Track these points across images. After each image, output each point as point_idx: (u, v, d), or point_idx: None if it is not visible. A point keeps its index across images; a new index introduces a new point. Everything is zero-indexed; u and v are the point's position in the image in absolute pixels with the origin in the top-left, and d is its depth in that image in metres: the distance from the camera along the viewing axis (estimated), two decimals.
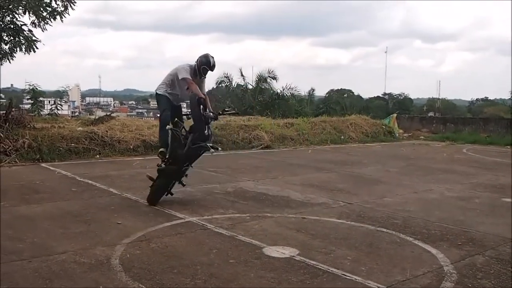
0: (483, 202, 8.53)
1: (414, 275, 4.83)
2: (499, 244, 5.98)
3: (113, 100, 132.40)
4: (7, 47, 13.60)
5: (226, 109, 9.34)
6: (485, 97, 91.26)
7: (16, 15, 13.38)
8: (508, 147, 18.61)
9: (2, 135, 11.53)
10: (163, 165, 7.48)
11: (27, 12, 13.11)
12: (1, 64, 13.80)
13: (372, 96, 75.47)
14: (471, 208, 7.99)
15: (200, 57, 7.61)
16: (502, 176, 11.32)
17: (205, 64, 7.56)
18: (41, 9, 13.16)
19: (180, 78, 7.54)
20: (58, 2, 13.48)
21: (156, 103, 8.66)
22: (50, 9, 13.37)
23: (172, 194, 7.58)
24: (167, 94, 7.73)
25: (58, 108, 21.25)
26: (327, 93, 61.78)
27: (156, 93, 7.84)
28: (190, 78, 7.49)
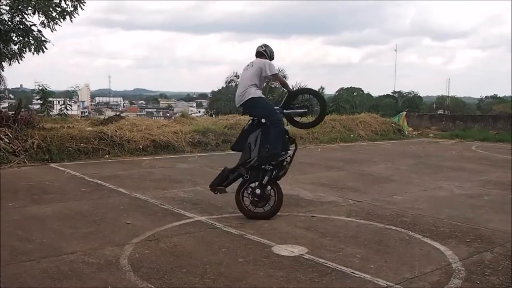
0: (492, 199, 8.49)
1: (422, 272, 4.82)
2: (508, 241, 5.96)
3: (123, 100, 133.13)
4: (16, 47, 13.70)
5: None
6: (494, 94, 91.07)
7: (26, 16, 13.47)
8: None
9: (11, 135, 11.58)
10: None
11: (36, 13, 13.19)
12: (10, 64, 13.89)
13: (382, 94, 75.57)
14: (480, 206, 7.95)
15: (267, 47, 7.27)
16: None
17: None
18: (51, 9, 13.21)
19: (273, 74, 7.01)
20: (67, 2, 13.53)
21: (247, 109, 7.03)
22: (59, 9, 13.40)
23: None
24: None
25: (68, 108, 21.41)
26: (336, 92, 61.69)
27: (254, 98, 6.84)
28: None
